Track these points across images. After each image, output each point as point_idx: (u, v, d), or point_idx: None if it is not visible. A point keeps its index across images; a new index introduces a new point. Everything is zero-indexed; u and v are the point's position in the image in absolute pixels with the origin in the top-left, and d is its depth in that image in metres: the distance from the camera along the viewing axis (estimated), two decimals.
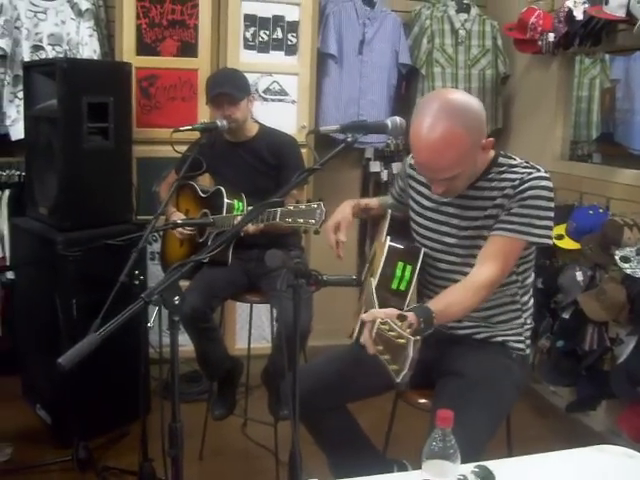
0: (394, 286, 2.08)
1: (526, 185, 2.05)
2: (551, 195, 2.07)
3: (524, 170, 2.09)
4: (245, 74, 3.33)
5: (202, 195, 3.30)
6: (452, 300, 2.01)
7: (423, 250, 2.20)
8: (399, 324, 1.60)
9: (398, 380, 1.58)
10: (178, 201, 3.40)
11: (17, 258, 3.71)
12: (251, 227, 2.81)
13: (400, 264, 2.10)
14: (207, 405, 3.36)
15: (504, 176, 2.11)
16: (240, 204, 3.08)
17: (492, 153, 2.16)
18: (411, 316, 1.73)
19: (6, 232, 3.82)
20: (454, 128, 1.95)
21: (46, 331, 3.26)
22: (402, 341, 1.57)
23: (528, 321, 2.29)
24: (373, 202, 2.57)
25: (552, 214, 2.08)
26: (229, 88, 3.12)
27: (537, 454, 1.74)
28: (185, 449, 1.73)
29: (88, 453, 3.07)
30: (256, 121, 3.34)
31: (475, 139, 2.00)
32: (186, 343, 3.18)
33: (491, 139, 2.07)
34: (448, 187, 2.08)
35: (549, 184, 2.07)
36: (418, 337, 1.59)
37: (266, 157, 3.21)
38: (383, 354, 1.61)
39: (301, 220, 2.20)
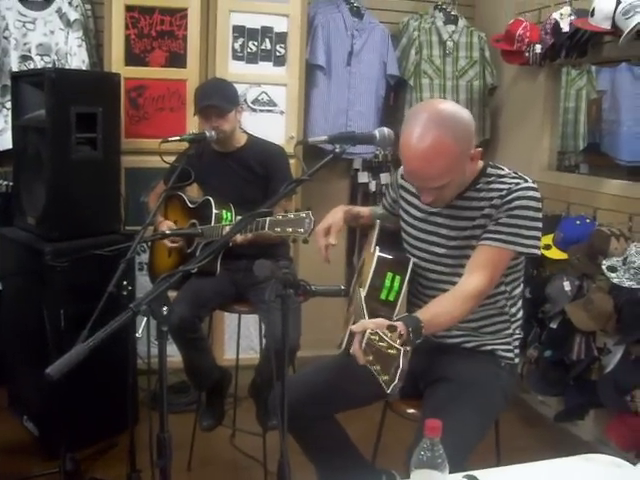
0: (383, 296, 2.08)
1: (513, 195, 2.07)
2: (539, 205, 2.09)
3: (512, 180, 2.11)
4: (234, 85, 3.33)
5: (190, 206, 3.30)
6: (440, 310, 2.02)
7: (412, 261, 2.21)
8: (389, 335, 1.60)
9: (388, 391, 1.58)
10: (166, 212, 3.40)
11: (4, 268, 3.69)
12: (239, 237, 2.81)
13: (389, 274, 2.10)
14: (195, 416, 3.35)
15: (492, 186, 2.13)
16: (229, 214, 3.08)
17: (480, 163, 2.17)
18: (400, 326, 1.74)
19: None
20: (443, 138, 1.96)
21: (33, 342, 3.24)
22: (392, 352, 1.57)
23: (517, 332, 2.30)
24: (364, 211, 2.58)
25: (540, 224, 2.10)
26: (217, 100, 3.12)
27: (526, 463, 1.75)
28: (173, 460, 1.72)
29: (76, 465, 3.04)
30: (244, 131, 3.34)
31: (464, 149, 2.02)
32: (174, 354, 3.18)
33: (479, 149, 2.09)
34: (437, 196, 2.10)
35: (537, 194, 2.09)
36: (408, 348, 1.59)
37: (254, 167, 3.21)
38: (373, 364, 1.61)
39: (290, 229, 2.20)
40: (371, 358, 1.62)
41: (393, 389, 1.57)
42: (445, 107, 2.05)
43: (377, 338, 1.61)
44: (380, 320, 1.75)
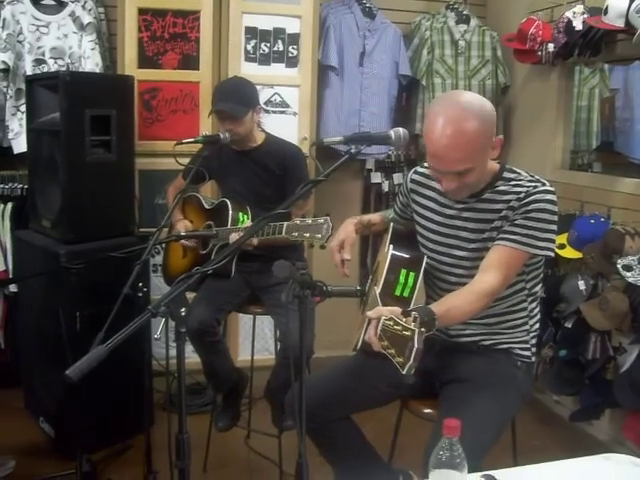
0: (397, 292, 2.10)
1: (531, 198, 2.08)
2: (555, 209, 2.11)
3: (529, 183, 2.12)
4: (253, 85, 3.30)
5: (207, 207, 3.30)
6: (455, 304, 2.02)
7: (426, 257, 2.22)
8: (404, 319, 1.63)
9: (403, 372, 1.59)
10: (184, 213, 3.38)
11: (20, 271, 3.71)
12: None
13: (403, 271, 2.12)
14: (210, 417, 3.36)
15: (509, 189, 2.14)
16: (245, 216, 3.08)
17: (497, 166, 2.18)
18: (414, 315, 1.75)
19: (9, 245, 3.82)
20: (469, 120, 1.99)
21: (49, 344, 3.26)
22: (407, 333, 1.60)
23: (534, 327, 2.31)
24: (375, 218, 2.59)
25: (555, 227, 2.11)
26: (231, 104, 3.09)
27: (544, 463, 1.74)
28: None
29: (92, 466, 3.06)
30: (263, 130, 3.34)
31: (487, 132, 2.04)
32: (189, 355, 3.18)
33: (500, 137, 2.11)
34: (459, 183, 2.09)
35: (554, 198, 2.11)
36: (424, 329, 1.60)
37: (271, 167, 3.20)
38: (388, 349, 1.64)
39: (307, 234, 2.20)
40: (386, 343, 1.64)
41: (408, 369, 1.58)
42: (468, 94, 2.12)
43: (392, 323, 1.64)
44: (395, 308, 1.77)
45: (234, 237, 2.92)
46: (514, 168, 2.21)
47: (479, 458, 1.93)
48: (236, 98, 3.13)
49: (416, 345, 1.57)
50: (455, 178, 2.08)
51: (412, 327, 1.60)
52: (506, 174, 2.18)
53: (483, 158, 2.07)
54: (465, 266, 2.21)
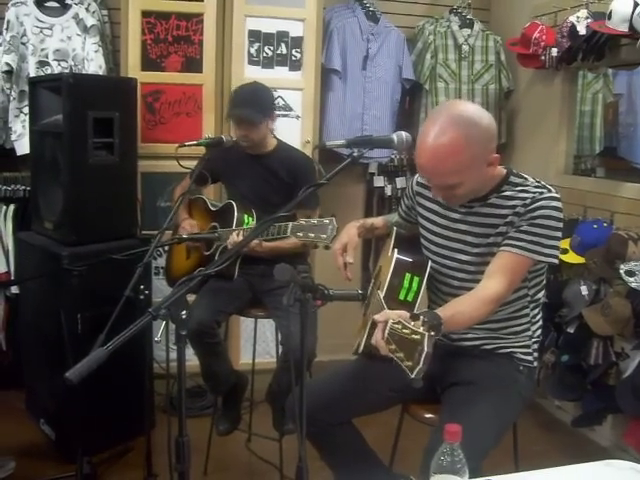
0: (401, 297, 2.09)
1: (537, 204, 2.07)
2: (561, 216, 2.10)
3: (535, 189, 2.11)
4: (270, 91, 3.28)
5: (212, 209, 3.30)
6: (460, 309, 2.02)
7: (430, 262, 2.21)
8: (412, 323, 1.62)
9: (412, 376, 1.58)
10: (190, 214, 3.39)
11: (22, 273, 3.71)
12: (253, 242, 2.80)
13: (407, 275, 2.11)
14: (211, 420, 3.35)
15: (516, 194, 2.13)
16: (249, 218, 3.08)
17: (503, 170, 2.17)
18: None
19: (11, 247, 3.82)
20: (456, 139, 1.97)
21: (51, 346, 3.26)
22: (417, 337, 1.59)
23: (536, 334, 2.30)
24: (378, 221, 2.58)
25: (560, 234, 2.11)
26: (248, 112, 3.08)
27: (545, 469, 1.73)
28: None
29: (92, 468, 3.06)
30: (275, 136, 3.33)
31: (477, 153, 2.01)
32: (190, 358, 3.17)
33: (496, 155, 2.08)
34: (446, 194, 2.11)
35: (559, 204, 2.10)
36: (433, 332, 1.60)
37: (280, 173, 3.20)
38: (396, 352, 1.63)
39: (312, 235, 2.19)
40: (394, 347, 1.63)
41: (417, 373, 1.57)
42: (466, 109, 2.06)
43: (400, 327, 1.63)
44: (402, 312, 1.76)
45: (232, 240, 2.92)
46: (521, 173, 2.20)
47: (478, 461, 1.93)
48: (254, 104, 3.11)
49: (426, 349, 1.57)
50: (440, 189, 2.09)
51: (421, 331, 1.59)
52: (513, 179, 2.17)
53: (474, 175, 2.05)
54: (469, 270, 2.21)
